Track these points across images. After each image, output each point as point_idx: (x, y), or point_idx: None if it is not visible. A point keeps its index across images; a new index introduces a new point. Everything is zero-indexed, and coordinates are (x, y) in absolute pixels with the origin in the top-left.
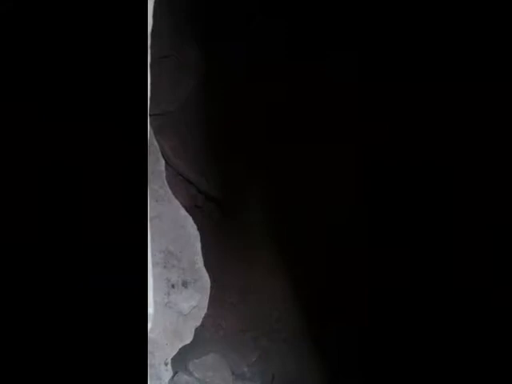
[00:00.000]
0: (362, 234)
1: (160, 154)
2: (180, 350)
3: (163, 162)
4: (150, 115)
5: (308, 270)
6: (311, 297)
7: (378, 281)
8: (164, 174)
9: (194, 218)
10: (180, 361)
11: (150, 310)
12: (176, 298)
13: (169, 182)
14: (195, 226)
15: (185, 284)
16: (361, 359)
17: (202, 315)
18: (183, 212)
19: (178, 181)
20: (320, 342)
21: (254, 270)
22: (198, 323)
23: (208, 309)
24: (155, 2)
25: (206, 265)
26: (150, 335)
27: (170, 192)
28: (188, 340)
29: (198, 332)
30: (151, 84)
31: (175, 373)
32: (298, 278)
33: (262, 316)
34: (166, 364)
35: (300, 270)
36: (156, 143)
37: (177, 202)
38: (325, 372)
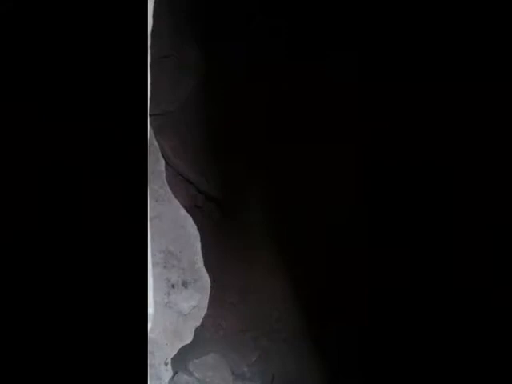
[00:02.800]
0: (362, 234)
1: (160, 154)
2: (180, 350)
3: (163, 162)
4: (150, 115)
5: (308, 270)
6: (311, 297)
7: (378, 281)
8: (164, 174)
9: (194, 218)
10: (180, 361)
11: (150, 310)
12: (176, 297)
13: (169, 182)
14: (195, 226)
15: (185, 284)
16: (361, 359)
17: (202, 315)
18: (183, 212)
19: (178, 181)
20: (320, 342)
21: (253, 270)
22: (198, 323)
23: (208, 309)
24: (155, 2)
25: (206, 265)
26: (150, 335)
27: (169, 192)
28: (188, 340)
29: (198, 332)
30: (151, 84)
31: (175, 373)
32: (297, 278)
33: (262, 316)
34: (166, 364)
35: (300, 270)
36: (156, 143)
37: (177, 202)
38: (325, 372)
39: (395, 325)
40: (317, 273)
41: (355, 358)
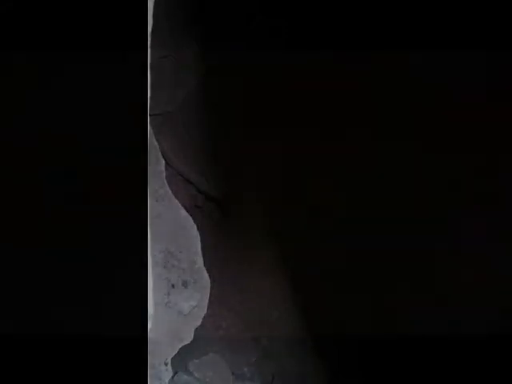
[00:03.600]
0: (362, 233)
1: (160, 154)
2: (180, 350)
3: (163, 162)
4: (150, 115)
5: (308, 269)
6: (311, 297)
7: (378, 281)
8: (164, 174)
9: (194, 218)
10: (180, 361)
11: (150, 310)
12: (176, 298)
13: (169, 182)
14: (195, 226)
15: (185, 284)
16: (361, 359)
17: (202, 315)
18: (183, 212)
19: (178, 181)
20: (320, 342)
21: (253, 270)
22: (198, 323)
23: (208, 309)
24: (155, 2)
25: (206, 265)
26: (149, 335)
27: (169, 192)
28: (188, 340)
29: (198, 332)
30: (151, 84)
31: (175, 373)
32: (297, 278)
33: (262, 316)
34: (166, 364)
35: (300, 270)
36: (156, 143)
37: (177, 202)
38: (325, 372)
39: (395, 325)
40: (317, 273)
41: (355, 358)
